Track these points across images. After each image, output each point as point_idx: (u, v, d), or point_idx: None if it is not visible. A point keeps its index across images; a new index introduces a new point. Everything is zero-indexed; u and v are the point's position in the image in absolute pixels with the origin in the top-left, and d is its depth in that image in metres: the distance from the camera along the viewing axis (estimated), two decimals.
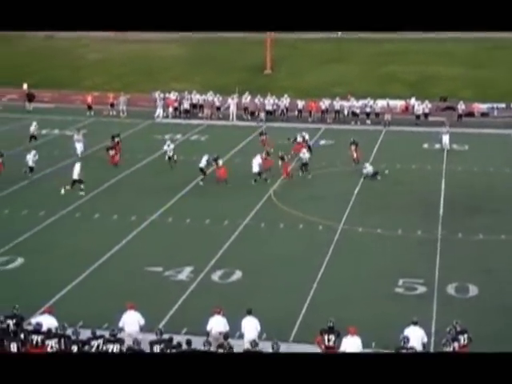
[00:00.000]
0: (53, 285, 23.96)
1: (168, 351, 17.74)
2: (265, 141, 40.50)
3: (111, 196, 33.67)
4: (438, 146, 42.51)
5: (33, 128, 42.34)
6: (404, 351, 17.38)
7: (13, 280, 24.40)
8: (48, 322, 18.91)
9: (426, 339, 18.65)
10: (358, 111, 50.00)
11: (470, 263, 26.27)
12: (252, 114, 50.81)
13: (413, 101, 51.82)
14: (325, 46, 67.27)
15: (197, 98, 51.82)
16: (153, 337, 18.43)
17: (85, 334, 18.51)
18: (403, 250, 27.50)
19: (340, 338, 18.35)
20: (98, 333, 18.42)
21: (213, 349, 17.77)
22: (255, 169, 35.28)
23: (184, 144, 43.22)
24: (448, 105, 52.12)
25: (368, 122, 49.44)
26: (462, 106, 50.18)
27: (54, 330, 18.42)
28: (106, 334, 18.29)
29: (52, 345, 18.00)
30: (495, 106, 51.90)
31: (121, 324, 19.43)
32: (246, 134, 45.48)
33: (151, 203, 32.28)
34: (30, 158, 35.56)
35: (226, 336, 18.50)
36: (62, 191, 33.17)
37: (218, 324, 19.25)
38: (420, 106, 50.16)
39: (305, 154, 36.90)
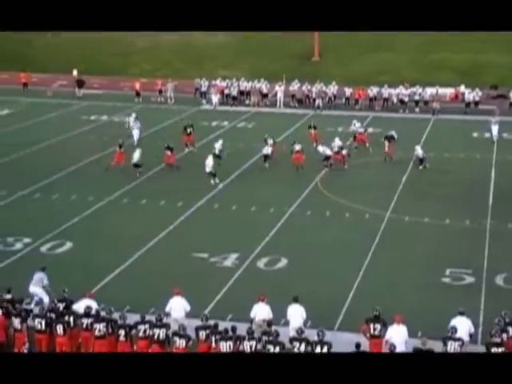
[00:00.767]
0: (100, 269, 24.23)
1: (213, 337, 17.86)
2: (315, 135, 39.17)
3: (158, 182, 33.87)
4: (487, 134, 41.85)
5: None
6: (451, 341, 17.25)
7: (62, 264, 24.70)
8: (91, 306, 19.12)
9: (473, 330, 18.44)
10: (406, 99, 49.48)
11: None
12: (299, 101, 50.62)
13: (462, 88, 51.10)
14: (372, 34, 66.54)
15: (244, 85, 51.80)
16: (198, 323, 18.55)
17: (131, 318, 18.70)
18: (451, 240, 27.17)
19: (386, 327, 18.23)
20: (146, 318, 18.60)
21: (257, 335, 17.83)
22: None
23: (230, 131, 43.25)
24: (499, 93, 51.23)
25: (417, 110, 48.89)
26: None
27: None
28: (153, 318, 18.45)
29: (100, 328, 18.22)
30: None
31: (167, 309, 19.57)
32: (293, 122, 45.34)
33: (198, 189, 32.41)
34: (136, 157, 34.77)
35: (269, 323, 18.52)
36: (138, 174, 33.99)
37: (261, 311, 19.26)
38: (470, 94, 49.38)
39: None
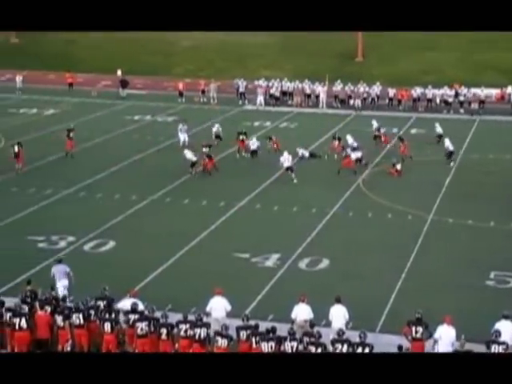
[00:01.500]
0: (143, 268, 24.38)
1: (254, 338, 17.85)
2: (335, 147, 37.53)
3: (200, 181, 34.01)
4: None
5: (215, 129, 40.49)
6: (495, 345, 17.03)
7: (104, 263, 24.95)
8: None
9: None
10: (450, 100, 48.98)
11: None
12: (342, 101, 50.42)
13: (509, 89, 50.42)
14: (417, 33, 66.01)
15: (287, 85, 51.76)
16: (239, 322, 18.56)
17: (172, 317, 18.80)
18: (495, 243, 26.82)
19: (428, 330, 18.06)
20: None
21: (298, 336, 17.78)
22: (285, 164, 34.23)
23: (273, 131, 43.23)
24: None
25: (461, 110, 48.39)
26: None
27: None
28: (194, 318, 18.51)
29: (142, 327, 18.35)
30: None
31: (208, 309, 19.61)
32: (336, 122, 45.15)
33: (240, 189, 32.48)
34: (190, 155, 34.97)
35: (312, 324, 18.45)
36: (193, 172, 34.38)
37: (302, 312, 19.21)
38: None
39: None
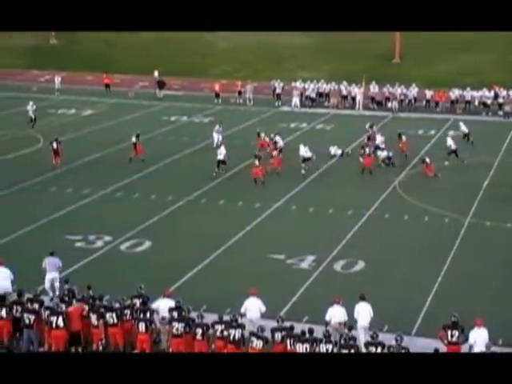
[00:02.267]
0: (178, 268, 24.50)
1: (289, 339, 17.83)
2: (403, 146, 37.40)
3: (236, 183, 34.07)
4: None
5: None
6: None
7: (140, 263, 25.11)
8: (168, 305, 19.36)
9: None
10: (489, 102, 48.48)
11: None
12: (379, 103, 50.18)
13: None
14: (454, 35, 65.48)
15: (323, 86, 51.66)
16: (274, 324, 18.56)
17: (208, 318, 18.86)
18: None
19: (464, 333, 17.91)
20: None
21: (333, 338, 17.72)
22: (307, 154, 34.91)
23: (309, 133, 43.17)
24: None
25: (500, 113, 47.87)
26: None
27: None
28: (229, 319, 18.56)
29: (178, 327, 18.43)
30: None
31: (242, 310, 19.63)
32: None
33: (276, 191, 32.47)
34: (222, 153, 35.13)
35: (350, 327, 18.34)
36: (214, 174, 34.39)
37: (337, 314, 19.16)
38: None
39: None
